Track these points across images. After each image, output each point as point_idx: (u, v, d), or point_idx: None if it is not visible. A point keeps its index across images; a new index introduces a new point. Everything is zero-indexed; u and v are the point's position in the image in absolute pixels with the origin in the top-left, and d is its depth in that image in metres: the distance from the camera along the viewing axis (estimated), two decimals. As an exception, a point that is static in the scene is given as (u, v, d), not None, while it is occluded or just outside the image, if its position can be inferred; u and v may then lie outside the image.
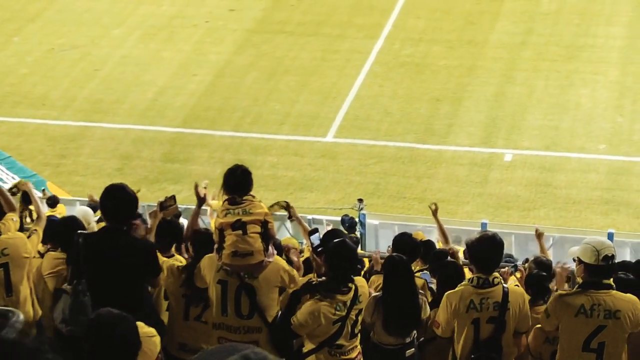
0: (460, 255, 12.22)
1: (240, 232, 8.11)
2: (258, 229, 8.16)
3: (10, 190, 10.37)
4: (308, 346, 8.34)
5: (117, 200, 7.90)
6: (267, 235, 8.21)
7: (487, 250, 7.94)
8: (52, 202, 19.38)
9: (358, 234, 18.82)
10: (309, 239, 8.90)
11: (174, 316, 8.97)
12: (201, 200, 9.34)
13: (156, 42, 29.67)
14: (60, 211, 18.23)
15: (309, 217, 18.99)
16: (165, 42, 29.63)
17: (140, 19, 31.08)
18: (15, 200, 10.09)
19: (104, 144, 25.15)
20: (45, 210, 19.25)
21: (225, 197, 8.34)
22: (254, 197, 8.38)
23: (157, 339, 5.51)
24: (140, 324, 5.31)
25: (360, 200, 20.36)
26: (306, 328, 8.19)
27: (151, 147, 24.86)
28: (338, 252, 8.19)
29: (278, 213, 11.70)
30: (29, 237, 9.13)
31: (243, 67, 28.26)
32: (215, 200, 16.55)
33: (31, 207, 10.32)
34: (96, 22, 30.97)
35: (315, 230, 8.96)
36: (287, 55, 28.63)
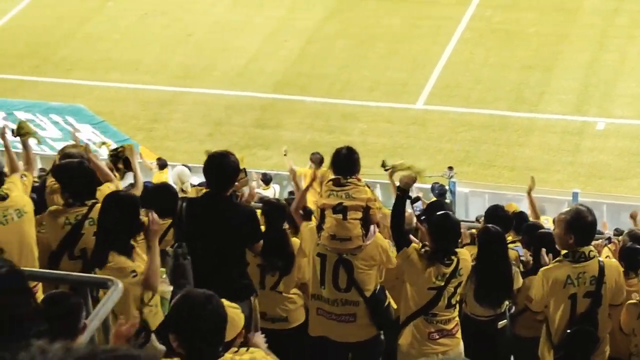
0: (550, 225, 12.13)
1: (340, 216, 8.15)
2: (359, 214, 8.19)
3: (115, 152, 10.50)
4: (404, 315, 8.39)
5: (218, 166, 7.99)
6: (367, 221, 8.24)
7: (586, 223, 7.88)
8: (161, 165, 19.72)
9: (448, 201, 18.76)
10: (412, 206, 8.92)
11: (250, 285, 9.07)
12: (293, 171, 9.41)
13: (247, 8, 29.76)
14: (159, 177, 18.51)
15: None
16: (256, 8, 29.70)
17: (231, -15, 31.20)
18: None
19: (196, 109, 25.39)
20: (156, 172, 19.57)
21: (331, 176, 8.39)
22: (359, 180, 8.39)
23: (241, 314, 5.57)
24: (225, 301, 5.37)
25: (451, 168, 20.29)
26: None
27: (242, 113, 25.02)
28: (442, 224, 8.22)
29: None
30: None
31: (333, 33, 28.22)
32: (300, 167, 16.64)
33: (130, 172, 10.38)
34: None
35: (417, 199, 8.99)
36: (377, 22, 28.50)
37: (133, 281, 7.10)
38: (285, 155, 18.17)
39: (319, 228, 8.28)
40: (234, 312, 5.40)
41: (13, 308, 1.34)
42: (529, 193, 12.99)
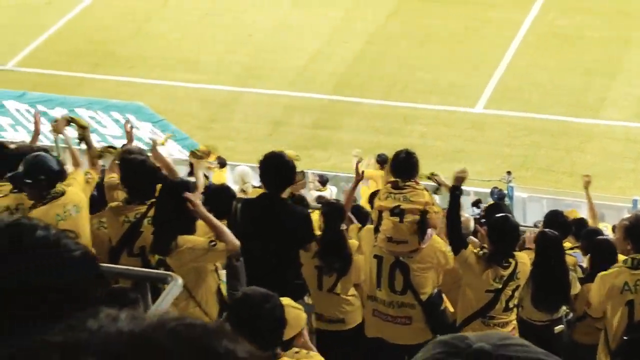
0: (609, 232, 12.05)
1: (397, 219, 8.18)
2: (416, 217, 8.21)
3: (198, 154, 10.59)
4: (461, 318, 8.38)
5: (274, 167, 8.03)
6: (424, 224, 8.24)
7: None
8: (221, 163, 19.83)
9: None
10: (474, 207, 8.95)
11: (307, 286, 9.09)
12: (359, 177, 9.43)
13: (308, 9, 29.79)
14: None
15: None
16: (317, 9, 29.72)
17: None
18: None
19: (255, 109, 25.48)
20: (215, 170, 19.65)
21: (390, 178, 8.41)
22: (417, 183, 8.43)
23: (303, 314, 5.58)
24: (286, 299, 5.38)
25: (509, 173, 20.19)
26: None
27: (301, 114, 25.07)
28: (501, 227, 8.21)
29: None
30: None
31: (393, 35, 28.17)
32: (369, 169, 16.59)
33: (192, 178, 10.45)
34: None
35: (478, 202, 9.03)
36: (437, 24, 28.40)
37: (219, 249, 7.09)
38: (356, 157, 18.17)
39: (376, 230, 8.30)
40: (295, 312, 5.42)
41: (86, 292, 1.36)
42: (585, 188, 12.89)
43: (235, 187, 13.64)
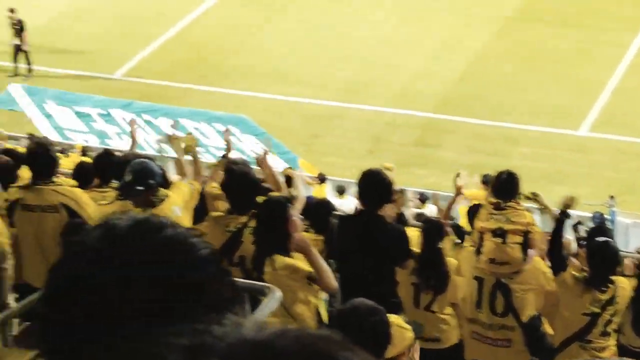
0: None
1: (500, 240, 8.14)
2: (519, 238, 8.17)
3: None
4: (558, 341, 8.29)
5: (373, 185, 8.04)
6: (527, 245, 8.20)
7: None
8: (321, 179, 19.95)
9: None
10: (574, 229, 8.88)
11: (404, 304, 9.04)
12: (458, 191, 9.43)
13: (415, 27, 29.78)
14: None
15: (558, 210, 18.67)
16: (423, 27, 29.70)
17: (398, 2, 31.27)
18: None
19: (357, 125, 25.53)
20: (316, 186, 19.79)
21: (491, 200, 8.38)
22: (519, 204, 8.38)
23: (409, 334, 5.54)
24: (394, 316, 5.35)
25: (612, 197, 19.89)
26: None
27: (403, 131, 25.05)
28: (601, 251, 8.11)
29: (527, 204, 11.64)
30: None
31: (499, 55, 28.02)
32: (473, 190, 16.45)
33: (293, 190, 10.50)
34: (355, 3, 31.36)
35: (579, 224, 8.98)
36: (545, 46, 28.16)
37: (315, 289, 6.97)
38: (458, 176, 18.03)
39: (477, 252, 8.27)
40: (400, 331, 5.37)
41: (213, 293, 1.38)
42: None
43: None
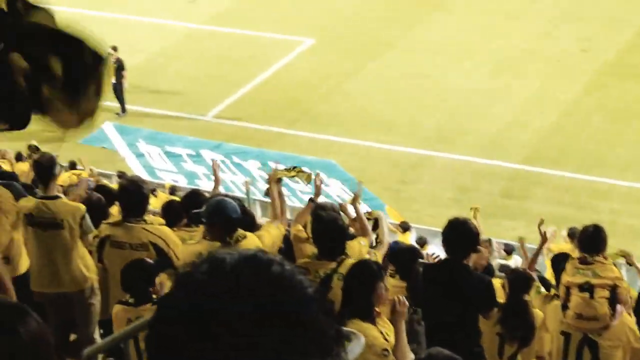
0: None
1: (587, 295, 8.10)
2: (606, 293, 8.11)
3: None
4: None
5: (458, 234, 8.05)
6: (615, 300, 8.13)
7: None
8: (404, 228, 19.90)
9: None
10: None
11: (488, 354, 9.00)
12: (544, 240, 9.41)
13: (507, 77, 29.73)
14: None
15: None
16: (515, 77, 29.63)
17: (491, 53, 31.25)
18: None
19: (444, 173, 25.48)
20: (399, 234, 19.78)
21: (578, 254, 8.35)
22: (605, 258, 8.33)
23: None
24: None
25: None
26: None
27: (490, 181, 24.94)
28: None
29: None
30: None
31: (590, 108, 27.82)
32: (559, 243, 16.32)
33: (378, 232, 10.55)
34: (448, 52, 31.42)
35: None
36: (636, 100, 27.89)
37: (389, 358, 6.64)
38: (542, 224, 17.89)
39: (564, 306, 8.22)
40: None
41: (319, 330, 1.40)
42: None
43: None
